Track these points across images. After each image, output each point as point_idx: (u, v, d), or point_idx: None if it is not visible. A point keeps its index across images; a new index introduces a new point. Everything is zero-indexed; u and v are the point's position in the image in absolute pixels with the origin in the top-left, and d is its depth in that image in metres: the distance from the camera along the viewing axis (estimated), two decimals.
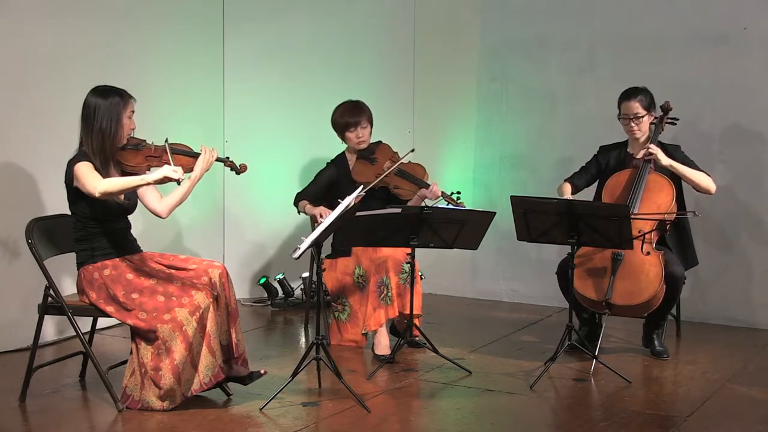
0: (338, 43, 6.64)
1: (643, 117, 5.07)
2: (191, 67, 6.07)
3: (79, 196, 4.13)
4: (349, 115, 5.41)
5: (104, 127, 4.11)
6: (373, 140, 5.51)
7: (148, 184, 4.04)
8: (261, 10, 6.42)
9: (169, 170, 3.98)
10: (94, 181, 3.99)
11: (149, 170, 4.24)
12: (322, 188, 5.46)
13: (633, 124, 5.09)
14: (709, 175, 5.06)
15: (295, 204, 5.51)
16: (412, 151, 5.36)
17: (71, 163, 4.13)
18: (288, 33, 6.50)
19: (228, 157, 4.44)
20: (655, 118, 5.14)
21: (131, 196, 4.27)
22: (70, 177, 4.13)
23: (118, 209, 4.22)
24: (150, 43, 5.76)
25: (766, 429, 4.02)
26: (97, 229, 4.17)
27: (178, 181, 4.01)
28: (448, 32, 6.80)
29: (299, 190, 5.56)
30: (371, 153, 5.45)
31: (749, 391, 4.52)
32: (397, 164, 5.34)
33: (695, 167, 5.07)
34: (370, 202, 5.06)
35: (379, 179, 5.26)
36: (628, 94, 5.10)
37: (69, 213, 4.61)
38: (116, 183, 4.03)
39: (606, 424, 4.02)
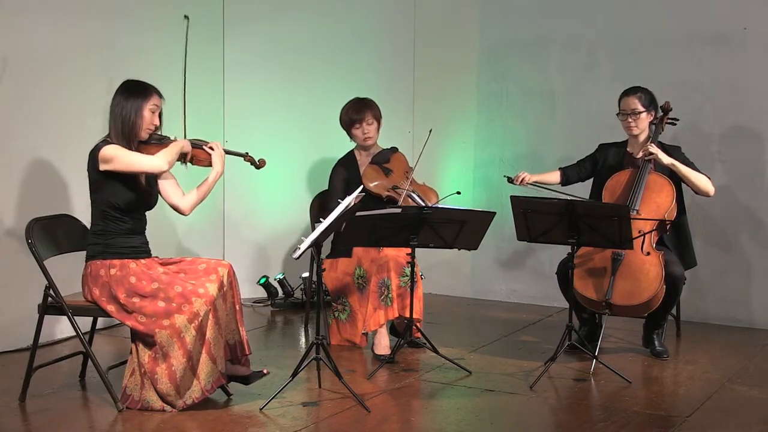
0: (338, 44, 6.64)
1: (641, 114, 5.08)
2: (191, 67, 6.06)
3: (103, 182, 4.14)
4: (354, 112, 5.40)
5: (124, 115, 4.18)
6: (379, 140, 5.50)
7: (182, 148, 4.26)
8: (261, 11, 6.43)
9: (186, 144, 4.25)
10: (151, 162, 4.15)
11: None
12: (341, 194, 5.21)
13: (630, 120, 5.10)
14: (709, 178, 5.06)
15: None
16: (430, 131, 5.33)
17: (97, 149, 4.14)
18: (288, 33, 6.50)
19: (247, 153, 4.53)
20: (655, 117, 5.15)
21: (150, 185, 4.30)
22: (95, 163, 4.13)
23: (143, 195, 4.22)
24: (150, 43, 5.76)
25: (766, 429, 4.02)
26: (115, 225, 4.17)
27: (184, 158, 4.29)
28: (448, 32, 6.80)
29: (321, 208, 5.44)
30: (386, 161, 5.41)
31: (749, 391, 4.52)
32: (410, 182, 5.33)
33: (695, 169, 5.07)
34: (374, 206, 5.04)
35: (401, 199, 5.23)
36: (628, 91, 5.14)
37: (68, 213, 4.64)
38: (168, 152, 4.20)
39: (606, 424, 4.02)
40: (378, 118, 5.43)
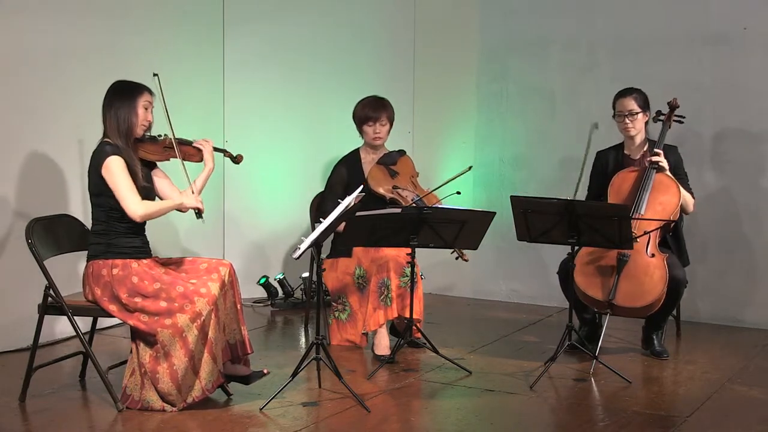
0: (338, 44, 6.64)
1: (637, 114, 5.09)
2: (191, 67, 6.08)
3: (105, 185, 4.15)
4: (371, 109, 5.39)
5: (120, 114, 4.21)
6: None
7: (177, 207, 4.29)
8: (261, 11, 6.42)
9: (197, 202, 4.30)
10: (134, 203, 4.14)
11: (168, 160, 4.36)
12: (338, 195, 5.17)
13: (628, 121, 5.10)
14: (693, 197, 5.10)
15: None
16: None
17: (100, 154, 4.16)
18: (288, 33, 6.50)
19: (226, 149, 4.58)
20: (660, 115, 5.16)
21: (149, 181, 4.30)
22: (98, 167, 4.14)
23: (142, 191, 4.22)
24: (150, 43, 5.76)
25: (766, 429, 4.03)
26: (119, 225, 4.18)
27: (200, 212, 4.32)
28: (448, 32, 6.80)
29: (318, 207, 5.44)
30: (393, 163, 5.41)
31: (749, 391, 4.52)
32: (414, 186, 5.34)
33: (685, 182, 5.11)
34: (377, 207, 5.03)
35: (402, 201, 5.23)
36: (623, 93, 5.15)
37: (68, 213, 4.64)
38: (154, 207, 4.24)
39: (606, 424, 4.02)
40: (392, 120, 5.44)
